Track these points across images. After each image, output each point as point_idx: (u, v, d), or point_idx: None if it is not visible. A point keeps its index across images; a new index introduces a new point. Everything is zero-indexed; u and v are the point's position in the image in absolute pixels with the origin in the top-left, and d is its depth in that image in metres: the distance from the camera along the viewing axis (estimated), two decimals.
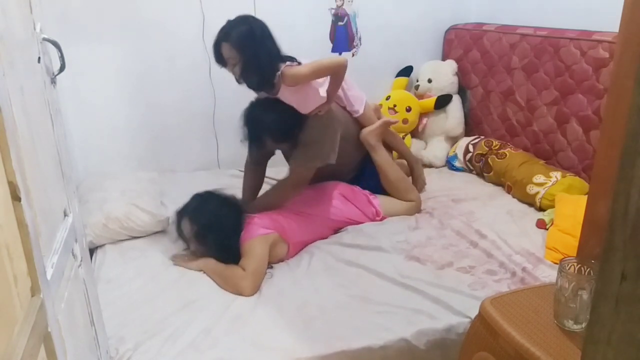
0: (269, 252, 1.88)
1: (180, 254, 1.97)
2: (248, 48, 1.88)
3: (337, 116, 2.15)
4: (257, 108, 2.05)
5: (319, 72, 1.97)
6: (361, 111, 2.27)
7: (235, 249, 1.87)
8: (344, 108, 2.27)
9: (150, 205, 2.13)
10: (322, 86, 2.03)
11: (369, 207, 2.22)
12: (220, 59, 1.94)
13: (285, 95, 2.01)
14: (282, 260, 1.96)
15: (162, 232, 2.14)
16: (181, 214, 1.92)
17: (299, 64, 1.95)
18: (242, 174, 2.74)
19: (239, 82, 2.01)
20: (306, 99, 2.02)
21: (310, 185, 2.16)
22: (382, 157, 2.29)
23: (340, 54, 2.95)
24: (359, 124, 2.30)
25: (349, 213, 2.18)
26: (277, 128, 2.02)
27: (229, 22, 1.92)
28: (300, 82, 1.96)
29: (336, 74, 2.00)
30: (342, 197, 2.20)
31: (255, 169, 2.31)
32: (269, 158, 2.32)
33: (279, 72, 1.93)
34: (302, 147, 2.07)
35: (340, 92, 2.15)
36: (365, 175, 2.37)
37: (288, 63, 1.94)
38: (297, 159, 2.09)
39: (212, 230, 1.87)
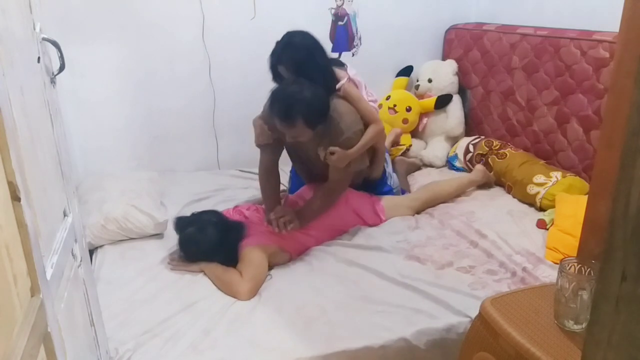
0: (269, 261, 1.88)
1: (178, 257, 1.95)
2: (304, 72, 1.96)
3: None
4: (293, 86, 1.91)
5: (367, 115, 2.11)
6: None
7: (232, 255, 1.87)
8: None
9: (150, 206, 2.12)
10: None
11: (372, 216, 2.20)
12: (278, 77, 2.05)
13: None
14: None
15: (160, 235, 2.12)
16: (179, 228, 1.93)
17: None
18: (242, 174, 2.77)
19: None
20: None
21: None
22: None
23: (340, 53, 2.94)
24: None
25: (352, 222, 2.16)
26: (314, 107, 1.88)
27: (282, 42, 2.00)
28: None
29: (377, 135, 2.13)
30: (348, 205, 2.17)
31: (269, 175, 2.19)
32: (279, 156, 2.22)
33: (340, 86, 2.06)
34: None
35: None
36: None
37: (343, 80, 2.07)
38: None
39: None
